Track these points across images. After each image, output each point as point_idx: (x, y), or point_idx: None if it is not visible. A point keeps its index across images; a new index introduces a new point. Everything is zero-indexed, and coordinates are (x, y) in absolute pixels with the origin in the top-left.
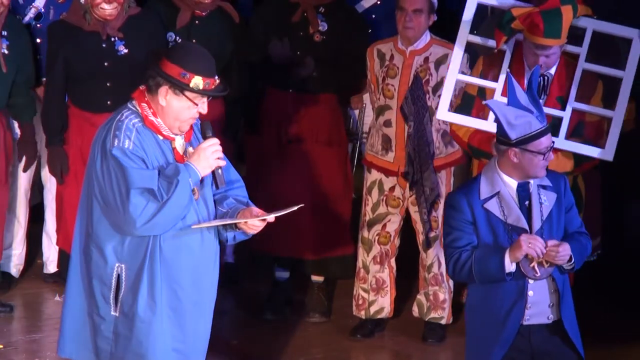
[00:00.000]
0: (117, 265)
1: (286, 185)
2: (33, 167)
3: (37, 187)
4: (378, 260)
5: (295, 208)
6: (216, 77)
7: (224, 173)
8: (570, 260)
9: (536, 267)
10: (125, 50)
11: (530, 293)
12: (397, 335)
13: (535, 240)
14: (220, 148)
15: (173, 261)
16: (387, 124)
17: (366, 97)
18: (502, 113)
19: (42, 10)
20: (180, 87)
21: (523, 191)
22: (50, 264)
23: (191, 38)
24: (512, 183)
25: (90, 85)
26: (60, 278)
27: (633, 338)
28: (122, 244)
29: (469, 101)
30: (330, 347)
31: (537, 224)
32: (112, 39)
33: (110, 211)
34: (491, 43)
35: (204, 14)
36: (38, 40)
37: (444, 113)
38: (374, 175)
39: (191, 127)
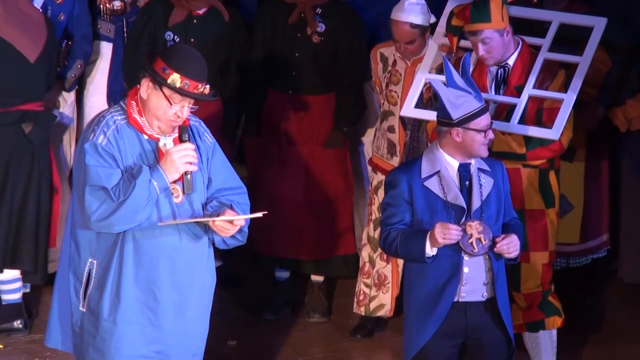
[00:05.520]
0: (89, 260)
1: (287, 187)
2: None
3: None
4: (385, 257)
5: (260, 214)
6: (202, 83)
7: (194, 179)
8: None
9: (474, 243)
10: None
11: (465, 269)
12: (397, 335)
13: (448, 229)
14: (192, 154)
15: (150, 262)
16: (391, 129)
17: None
18: (445, 93)
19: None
20: (157, 80)
21: (464, 171)
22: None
23: (189, 37)
24: (453, 163)
25: None
26: None
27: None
28: (96, 240)
29: None
30: (330, 347)
31: (476, 204)
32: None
33: (77, 203)
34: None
35: (201, 12)
36: None
37: (408, 110)
38: (380, 176)
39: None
